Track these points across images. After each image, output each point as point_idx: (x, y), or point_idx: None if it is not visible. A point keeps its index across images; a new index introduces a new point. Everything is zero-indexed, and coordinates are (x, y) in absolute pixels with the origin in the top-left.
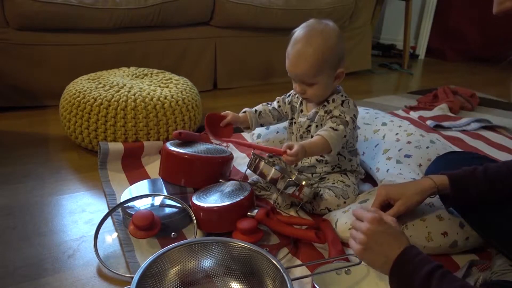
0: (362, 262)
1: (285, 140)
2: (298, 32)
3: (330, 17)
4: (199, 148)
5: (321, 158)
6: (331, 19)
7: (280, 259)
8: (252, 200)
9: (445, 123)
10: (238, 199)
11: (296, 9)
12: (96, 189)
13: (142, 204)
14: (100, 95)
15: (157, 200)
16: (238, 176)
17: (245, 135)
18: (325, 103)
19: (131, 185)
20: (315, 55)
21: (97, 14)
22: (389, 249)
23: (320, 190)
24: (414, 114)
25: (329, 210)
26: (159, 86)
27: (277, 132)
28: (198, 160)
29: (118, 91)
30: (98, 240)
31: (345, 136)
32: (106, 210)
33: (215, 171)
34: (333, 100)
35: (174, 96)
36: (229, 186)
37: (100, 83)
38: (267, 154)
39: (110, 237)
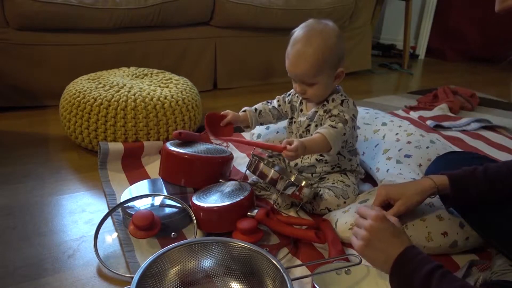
0: (362, 262)
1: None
2: (298, 32)
3: (330, 17)
4: (199, 148)
5: (321, 157)
6: (331, 19)
7: (280, 259)
8: (252, 200)
9: (445, 123)
10: (238, 199)
11: (296, 9)
12: (96, 189)
13: (142, 204)
14: (100, 95)
15: (157, 200)
16: (238, 176)
17: (245, 134)
18: (325, 103)
19: (131, 185)
20: (315, 55)
21: (97, 14)
22: (390, 247)
23: (320, 190)
24: (414, 114)
25: (329, 210)
26: (159, 86)
27: (277, 132)
28: (198, 160)
29: (118, 91)
30: (98, 240)
31: (344, 134)
32: (106, 210)
33: (215, 171)
34: (333, 100)
35: (174, 96)
36: (229, 186)
37: (100, 83)
38: (266, 154)
39: (110, 237)
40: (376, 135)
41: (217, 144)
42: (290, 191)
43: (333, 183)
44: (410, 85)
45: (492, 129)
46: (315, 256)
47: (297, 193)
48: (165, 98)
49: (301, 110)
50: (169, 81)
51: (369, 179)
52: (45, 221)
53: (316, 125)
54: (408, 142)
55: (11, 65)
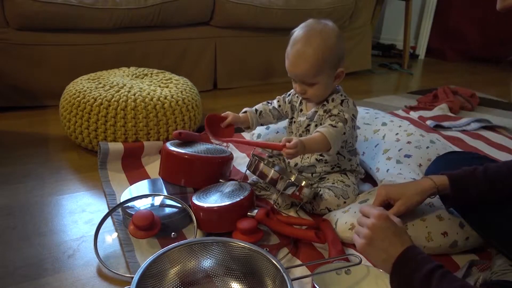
0: (362, 262)
1: None
2: (298, 32)
3: (330, 17)
4: (199, 148)
5: (321, 157)
6: (331, 19)
7: (280, 259)
8: (252, 200)
9: (445, 123)
10: (238, 199)
11: (296, 9)
12: (96, 189)
13: (142, 204)
14: (100, 95)
15: (157, 200)
16: (238, 176)
17: (245, 135)
18: (325, 103)
19: (131, 185)
20: (315, 55)
21: (97, 14)
22: (391, 246)
23: (320, 190)
24: (414, 114)
25: (329, 210)
26: (159, 86)
27: (277, 132)
28: (198, 160)
29: (118, 91)
30: (98, 240)
31: (344, 133)
32: (106, 210)
33: (215, 171)
34: (333, 100)
35: (174, 96)
36: (229, 186)
37: (100, 83)
38: (267, 154)
39: (110, 237)
40: (376, 135)
41: (217, 144)
42: (290, 191)
43: (333, 183)
44: (410, 85)
45: (492, 129)
46: (315, 256)
47: (297, 193)
48: (165, 98)
49: (301, 110)
50: (169, 81)
51: (369, 179)
52: (45, 221)
53: (316, 125)
54: (408, 142)
55: (11, 65)
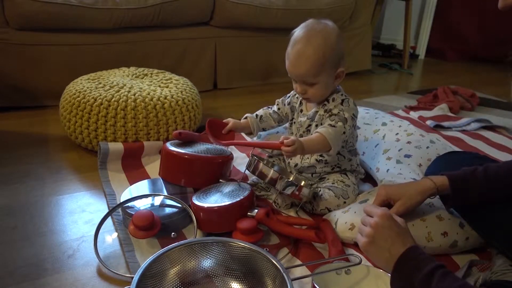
0: (362, 262)
1: None
2: (298, 32)
3: (330, 17)
4: (199, 148)
5: (321, 158)
6: (331, 19)
7: (280, 259)
8: (252, 200)
9: (445, 123)
10: (238, 199)
11: (296, 9)
12: (96, 189)
13: (142, 204)
14: (100, 95)
15: (157, 200)
16: (238, 176)
17: (245, 135)
18: (325, 102)
19: (131, 185)
20: (316, 55)
21: (97, 14)
22: (393, 245)
23: (320, 190)
24: (414, 114)
25: (329, 210)
26: (159, 86)
27: (277, 132)
28: (198, 160)
29: (118, 91)
30: (98, 240)
31: (344, 133)
32: (106, 210)
33: (215, 171)
34: (333, 99)
35: (174, 96)
36: (229, 186)
37: (100, 83)
38: (267, 155)
39: (110, 237)
40: (376, 135)
41: (217, 145)
42: (289, 190)
43: (333, 183)
44: (410, 85)
45: (492, 129)
46: (315, 256)
47: (297, 192)
48: (165, 98)
49: (301, 111)
50: (169, 81)
51: (369, 179)
52: (45, 221)
53: (317, 125)
54: (408, 142)
55: (11, 65)
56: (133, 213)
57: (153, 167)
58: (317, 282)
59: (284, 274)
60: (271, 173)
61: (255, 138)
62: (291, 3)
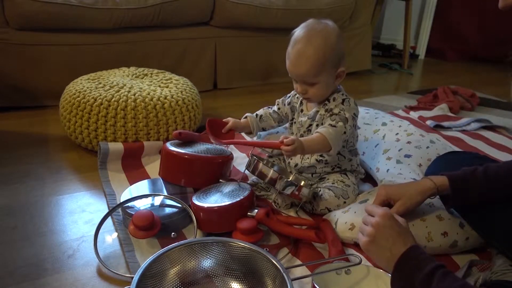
0: (362, 262)
1: None
2: (298, 32)
3: (330, 17)
4: (199, 148)
5: (321, 158)
6: (331, 19)
7: (280, 259)
8: (252, 200)
9: (445, 123)
10: (238, 199)
11: (296, 9)
12: (96, 189)
13: (142, 204)
14: (100, 95)
15: (157, 200)
16: (238, 176)
17: (245, 135)
18: (326, 102)
19: (131, 185)
20: (316, 54)
21: (97, 14)
22: (394, 245)
23: (320, 190)
24: (414, 114)
25: (329, 210)
26: (159, 86)
27: (277, 132)
28: (198, 160)
29: (118, 91)
30: (98, 240)
31: (344, 133)
32: (106, 210)
33: (215, 171)
34: (334, 99)
35: (174, 96)
36: (229, 186)
37: (100, 83)
38: (267, 155)
39: (110, 237)
40: (376, 135)
41: (217, 144)
42: (289, 190)
43: (333, 183)
44: (410, 85)
45: (492, 129)
46: (315, 256)
47: (296, 192)
48: (165, 98)
49: (302, 111)
50: (169, 81)
51: (369, 179)
52: (45, 221)
53: (318, 125)
54: (408, 142)
55: (11, 65)
56: (133, 213)
57: (153, 167)
58: (317, 282)
59: (284, 274)
60: (270, 173)
61: (255, 138)
62: (291, 3)
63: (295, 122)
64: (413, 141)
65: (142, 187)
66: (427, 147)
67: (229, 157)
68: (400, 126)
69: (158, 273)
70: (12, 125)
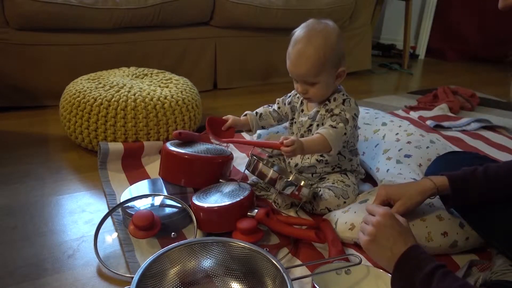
0: (362, 262)
1: None
2: (298, 32)
3: (330, 17)
4: (199, 148)
5: (321, 158)
6: (331, 19)
7: (280, 259)
8: (252, 200)
9: (445, 123)
10: (238, 199)
11: (296, 9)
12: (96, 189)
13: (142, 204)
14: (100, 95)
15: (157, 200)
16: (238, 176)
17: (245, 135)
18: (327, 102)
19: (131, 185)
20: (316, 54)
21: (97, 14)
22: (395, 244)
23: (320, 190)
24: (414, 114)
25: (329, 210)
26: (159, 86)
27: (277, 132)
28: (198, 160)
29: (118, 91)
30: (98, 240)
31: (345, 134)
32: (106, 210)
33: (215, 171)
34: (335, 99)
35: (174, 96)
36: (229, 186)
37: (100, 83)
38: (267, 155)
39: (110, 237)
40: (376, 135)
41: (217, 144)
42: (289, 190)
43: (333, 183)
44: (410, 85)
45: (492, 129)
46: (315, 256)
47: (296, 192)
48: (165, 98)
49: (302, 110)
50: (169, 81)
51: (369, 179)
52: (45, 221)
53: (318, 125)
54: (408, 142)
55: (11, 65)
56: (133, 213)
57: (153, 167)
58: (317, 282)
59: (284, 274)
60: (270, 173)
61: (254, 137)
62: (291, 3)
63: (295, 122)
64: (413, 141)
65: (142, 187)
66: (427, 147)
67: (229, 157)
68: (400, 126)
69: (158, 273)
70: (12, 125)
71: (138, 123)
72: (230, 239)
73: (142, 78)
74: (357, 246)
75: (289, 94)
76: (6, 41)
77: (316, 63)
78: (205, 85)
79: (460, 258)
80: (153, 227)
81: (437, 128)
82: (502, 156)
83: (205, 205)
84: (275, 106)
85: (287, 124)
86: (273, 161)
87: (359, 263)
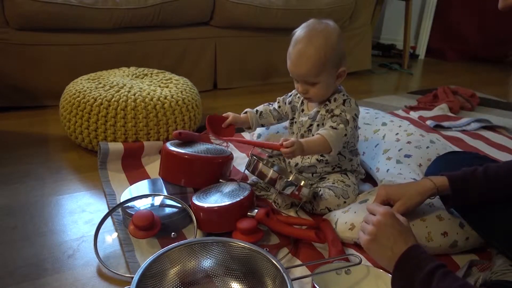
0: (362, 262)
1: None
2: (299, 32)
3: (330, 17)
4: (199, 148)
5: (322, 158)
6: (331, 19)
7: (280, 259)
8: (252, 200)
9: (445, 123)
10: (238, 199)
11: (296, 9)
12: (96, 189)
13: (142, 204)
14: (100, 95)
15: (157, 200)
16: (238, 176)
17: (245, 135)
18: (327, 102)
19: (131, 185)
20: (317, 54)
21: (97, 14)
22: (396, 244)
23: (320, 190)
24: (414, 114)
25: (329, 210)
26: (159, 86)
27: (277, 132)
28: (198, 160)
29: (118, 91)
30: (98, 240)
31: (345, 135)
32: (106, 210)
33: (215, 171)
34: (335, 99)
35: (174, 96)
36: (229, 186)
37: (100, 83)
38: (267, 155)
39: (110, 237)
40: (376, 135)
41: (217, 144)
42: (289, 190)
43: (333, 183)
44: (410, 85)
45: (492, 129)
46: (315, 256)
47: (296, 192)
48: (165, 98)
49: (302, 110)
50: (169, 81)
51: (369, 179)
52: (45, 221)
53: (318, 125)
54: (408, 142)
55: (11, 65)
56: (133, 213)
57: (153, 167)
58: (317, 282)
59: (284, 274)
60: (270, 173)
61: (254, 137)
62: (291, 3)
63: (295, 122)
64: (413, 141)
65: (142, 187)
66: (427, 147)
67: (229, 157)
68: (400, 126)
69: (158, 273)
70: (12, 125)
71: (138, 123)
72: (230, 239)
73: (142, 78)
74: (357, 246)
75: (289, 94)
76: (6, 41)
77: (317, 63)
78: (205, 85)
79: (460, 258)
80: (153, 227)
81: (437, 128)
82: (502, 156)
83: (205, 205)
84: (276, 105)
85: (287, 124)
86: (273, 161)
87: (359, 263)
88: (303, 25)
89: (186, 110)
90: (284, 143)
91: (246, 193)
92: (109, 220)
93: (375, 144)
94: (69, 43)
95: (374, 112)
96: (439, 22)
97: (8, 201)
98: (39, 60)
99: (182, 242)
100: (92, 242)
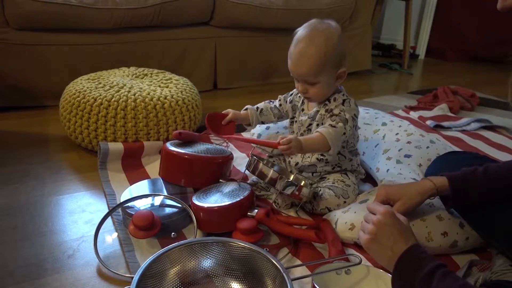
0: (362, 262)
1: None
2: (300, 32)
3: (330, 17)
4: (199, 148)
5: (322, 157)
6: (331, 19)
7: (280, 259)
8: (252, 200)
9: (445, 123)
10: (238, 199)
11: (296, 9)
12: (96, 189)
13: (142, 204)
14: (100, 95)
15: (157, 200)
16: (238, 176)
17: (245, 134)
18: (327, 102)
19: (131, 185)
20: (318, 54)
21: (97, 14)
22: (396, 243)
23: (320, 190)
24: (414, 114)
25: (329, 210)
26: (159, 86)
27: (277, 131)
28: (198, 160)
29: (118, 91)
30: (98, 240)
31: (344, 133)
32: (106, 210)
33: (215, 171)
34: (335, 99)
35: (174, 96)
36: (229, 186)
37: (100, 83)
38: (267, 155)
39: (110, 237)
40: (376, 135)
41: (217, 144)
42: (289, 190)
43: (333, 183)
44: (410, 85)
45: (492, 129)
46: (315, 256)
47: (297, 192)
48: (165, 98)
49: (302, 110)
50: (169, 81)
51: (369, 179)
52: (45, 221)
53: (318, 124)
54: (408, 142)
55: (11, 65)
56: (133, 213)
57: (153, 167)
58: (317, 282)
59: (284, 274)
60: (270, 173)
61: (254, 137)
62: (291, 3)
63: (295, 121)
64: (413, 141)
65: (142, 187)
66: (427, 147)
67: (229, 157)
68: (400, 126)
69: (158, 273)
70: (12, 125)
71: (138, 123)
72: (230, 239)
73: (142, 78)
74: (357, 246)
75: (291, 92)
76: (6, 41)
77: (317, 62)
78: (205, 85)
79: (460, 258)
80: (153, 227)
81: (437, 128)
82: (502, 156)
83: (205, 205)
84: (277, 103)
85: (287, 123)
86: (273, 161)
87: (359, 263)
88: (305, 24)
89: (186, 110)
90: (281, 141)
91: (246, 193)
92: (109, 220)
93: (375, 144)
94: (69, 43)
95: (374, 112)
96: (439, 22)
97: (8, 201)
98: (39, 60)
99: (182, 242)
100: (92, 242)
